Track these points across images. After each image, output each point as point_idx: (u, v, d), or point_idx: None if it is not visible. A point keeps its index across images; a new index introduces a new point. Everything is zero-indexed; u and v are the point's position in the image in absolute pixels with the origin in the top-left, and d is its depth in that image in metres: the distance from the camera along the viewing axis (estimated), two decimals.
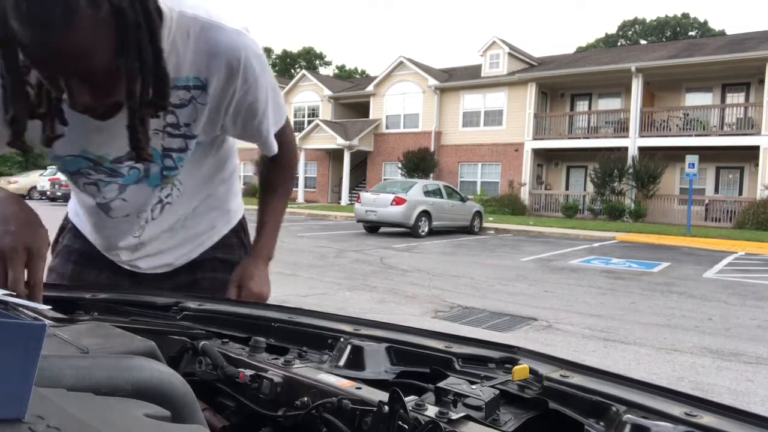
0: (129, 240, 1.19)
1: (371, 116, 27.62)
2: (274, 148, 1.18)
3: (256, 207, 1.28)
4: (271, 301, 1.19)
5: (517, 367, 0.64)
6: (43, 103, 0.83)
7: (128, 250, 1.21)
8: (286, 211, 1.41)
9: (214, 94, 1.01)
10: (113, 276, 1.24)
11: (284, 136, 1.22)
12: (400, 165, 24.90)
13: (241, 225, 1.42)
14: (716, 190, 21.22)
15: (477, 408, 0.56)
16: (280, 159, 1.24)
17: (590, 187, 21.91)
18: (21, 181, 26.51)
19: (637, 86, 20.89)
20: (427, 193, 14.38)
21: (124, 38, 0.76)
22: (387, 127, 27.17)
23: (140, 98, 0.83)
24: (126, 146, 0.97)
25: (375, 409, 0.53)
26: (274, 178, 1.28)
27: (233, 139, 1.26)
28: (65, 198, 22.32)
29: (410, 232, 13.71)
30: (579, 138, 22.49)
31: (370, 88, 27.61)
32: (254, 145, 1.18)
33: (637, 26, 52.04)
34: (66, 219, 1.34)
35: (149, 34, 0.79)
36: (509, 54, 24.44)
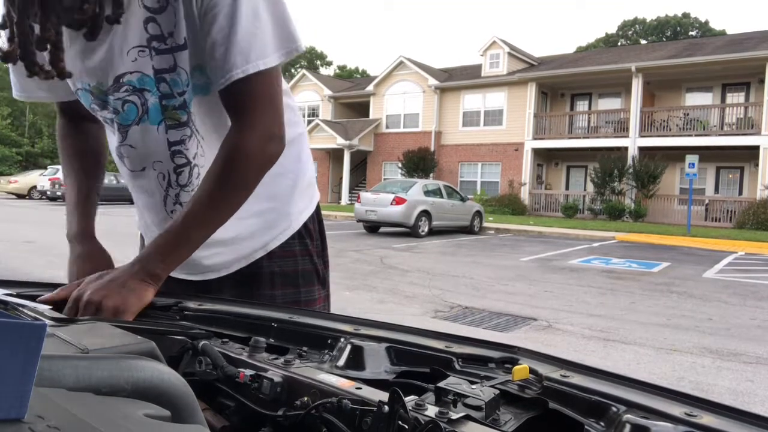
0: (162, 214, 1.05)
1: (371, 116, 27.64)
2: (223, 72, 0.87)
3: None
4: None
5: (517, 367, 0.64)
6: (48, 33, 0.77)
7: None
8: None
9: None
10: (168, 283, 0.96)
11: (254, 99, 0.89)
12: (400, 165, 24.92)
13: (307, 227, 1.14)
14: (716, 190, 21.23)
15: (477, 408, 0.56)
16: (235, 137, 0.90)
17: (590, 187, 21.93)
18: (21, 181, 26.45)
19: (637, 86, 20.90)
20: (427, 193, 14.38)
21: None
22: (387, 127, 27.19)
23: None
24: (112, 72, 0.91)
25: (375, 409, 0.53)
26: (215, 164, 0.91)
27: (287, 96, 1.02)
28: (65, 198, 22.29)
29: (410, 231, 13.71)
30: (579, 138, 22.51)
31: (370, 87, 27.63)
32: None
33: (637, 26, 52.02)
34: None
35: None
36: (509, 54, 24.46)
